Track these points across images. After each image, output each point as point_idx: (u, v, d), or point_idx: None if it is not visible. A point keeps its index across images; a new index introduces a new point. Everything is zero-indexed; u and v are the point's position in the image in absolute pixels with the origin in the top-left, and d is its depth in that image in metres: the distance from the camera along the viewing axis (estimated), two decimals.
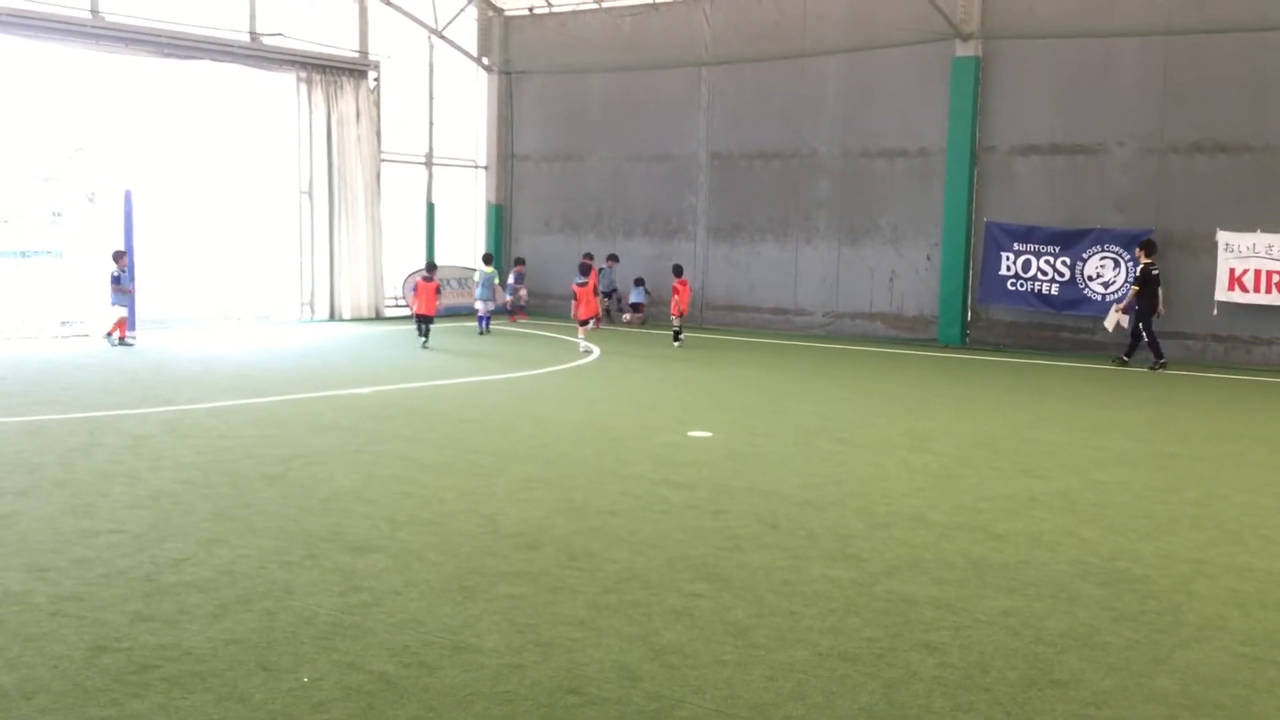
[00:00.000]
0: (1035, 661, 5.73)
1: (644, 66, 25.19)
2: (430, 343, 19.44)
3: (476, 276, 24.26)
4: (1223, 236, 18.91)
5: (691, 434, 11.94)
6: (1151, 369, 18.53)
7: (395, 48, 25.74)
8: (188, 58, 21.96)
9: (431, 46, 26.71)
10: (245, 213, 23.47)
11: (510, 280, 25.37)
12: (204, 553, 7.25)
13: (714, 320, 24.75)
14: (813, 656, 5.72)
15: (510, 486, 9.29)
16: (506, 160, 27.78)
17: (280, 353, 18.59)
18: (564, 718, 4.97)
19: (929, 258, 22.04)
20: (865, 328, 22.90)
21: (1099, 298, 19.93)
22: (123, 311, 19.12)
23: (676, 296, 21.22)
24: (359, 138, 24.58)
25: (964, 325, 21.69)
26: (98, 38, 20.68)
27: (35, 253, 20.04)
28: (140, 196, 20.14)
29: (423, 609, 6.28)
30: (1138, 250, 19.03)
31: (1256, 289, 18.67)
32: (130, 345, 18.83)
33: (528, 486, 9.29)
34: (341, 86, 24.27)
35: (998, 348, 21.25)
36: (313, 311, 24.44)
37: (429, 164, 27.10)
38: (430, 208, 27.12)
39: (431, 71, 26.88)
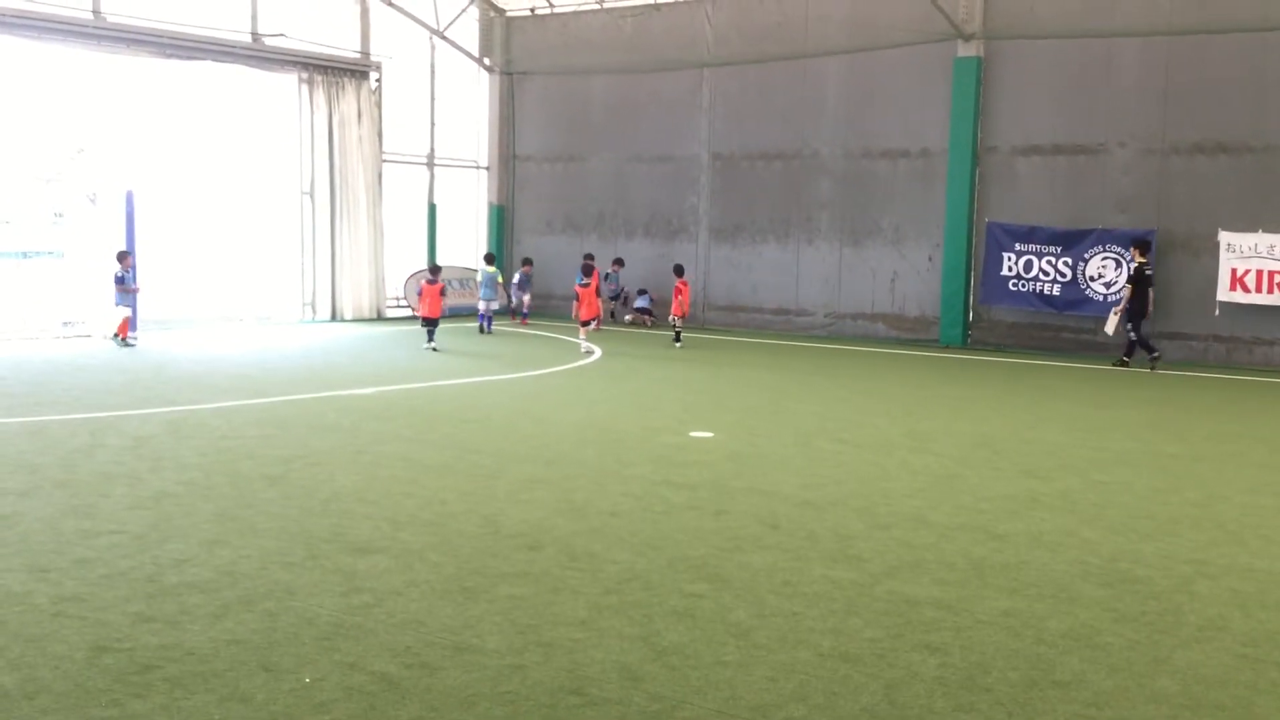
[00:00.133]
0: (1036, 662, 5.73)
1: (646, 67, 25.18)
2: (433, 344, 19.42)
3: (479, 276, 24.29)
4: (1224, 237, 18.91)
5: (693, 435, 11.94)
6: (1152, 369, 18.55)
7: (397, 48, 25.75)
8: (189, 58, 21.97)
9: (433, 47, 26.72)
10: (247, 213, 23.48)
11: (515, 280, 25.32)
12: (205, 553, 7.26)
13: (715, 321, 24.75)
14: (814, 657, 5.72)
15: (511, 487, 9.29)
16: (508, 161, 27.79)
17: (282, 353, 18.60)
18: (565, 718, 4.97)
19: (930, 258, 22.04)
20: (867, 328, 22.90)
21: (1100, 298, 19.92)
22: (126, 312, 19.12)
23: (679, 298, 21.23)
24: (360, 138, 24.59)
25: (965, 326, 21.68)
26: (99, 38, 20.70)
27: (37, 253, 20.06)
28: (142, 197, 20.16)
29: (424, 610, 6.29)
30: (1132, 249, 19.04)
31: (1258, 289, 18.66)
32: (132, 346, 18.83)
33: (529, 487, 9.30)
34: (343, 87, 24.29)
35: (999, 348, 21.24)
36: (314, 312, 24.45)
37: (430, 165, 27.11)
38: (432, 208, 27.13)
39: (433, 72, 26.89)
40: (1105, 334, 19.40)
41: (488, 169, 28.05)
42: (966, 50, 21.16)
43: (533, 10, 26.88)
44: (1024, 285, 20.79)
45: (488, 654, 5.66)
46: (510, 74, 27.50)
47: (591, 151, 26.47)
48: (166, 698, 5.06)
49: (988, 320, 21.70)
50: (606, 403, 14.25)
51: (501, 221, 27.89)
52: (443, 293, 20.21)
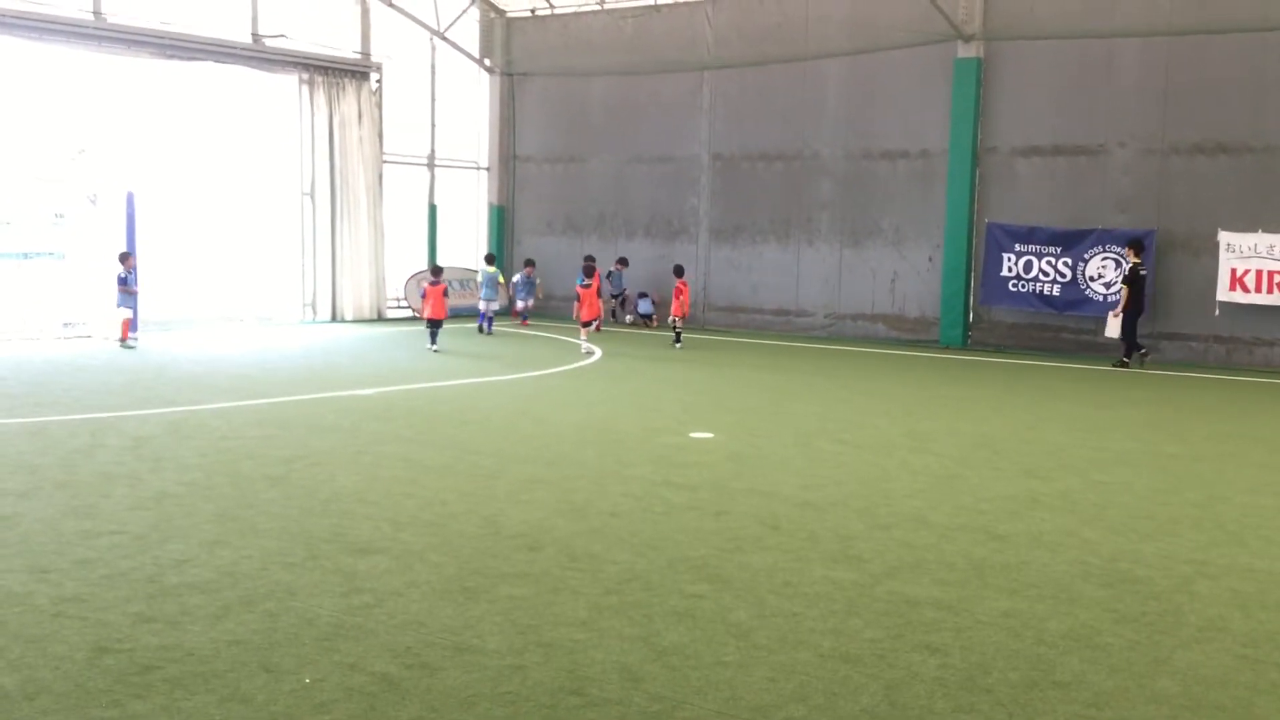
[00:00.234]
0: (1037, 663, 5.73)
1: (646, 68, 25.19)
2: (437, 345, 19.40)
3: (479, 277, 24.30)
4: (1224, 237, 18.91)
5: (693, 435, 11.94)
6: (1141, 366, 18.62)
7: (397, 49, 25.76)
8: (190, 59, 21.98)
9: (433, 48, 26.72)
10: (247, 214, 23.49)
11: (516, 280, 25.27)
12: (206, 554, 7.26)
13: (716, 321, 24.75)
14: (814, 658, 5.72)
15: (511, 488, 9.29)
16: (508, 162, 27.80)
17: (282, 354, 18.60)
18: (566, 719, 4.97)
19: (931, 259, 22.04)
20: (867, 329, 22.90)
21: (1100, 298, 19.92)
22: (128, 313, 19.10)
23: (679, 298, 21.22)
24: (361, 139, 24.59)
25: (966, 326, 21.69)
26: (100, 39, 20.70)
27: (37, 254, 20.05)
28: (142, 198, 20.16)
29: (424, 610, 6.29)
30: (1126, 250, 19.07)
31: (1258, 289, 18.66)
32: (132, 347, 18.80)
33: (529, 488, 9.30)
34: (343, 88, 24.29)
35: (999, 349, 21.24)
36: (315, 313, 24.45)
37: (431, 165, 27.12)
38: (432, 209, 27.14)
39: (433, 73, 26.90)
40: (1106, 336, 19.38)
41: (488, 170, 28.06)
42: (966, 51, 21.16)
43: (533, 11, 26.88)
44: (1024, 286, 20.80)
45: (488, 654, 5.66)
46: (511, 75, 27.51)
47: (592, 152, 26.47)
48: (167, 698, 5.06)
49: (988, 321, 21.70)
50: (607, 403, 14.25)
51: (502, 222, 27.90)
52: (445, 293, 20.17)
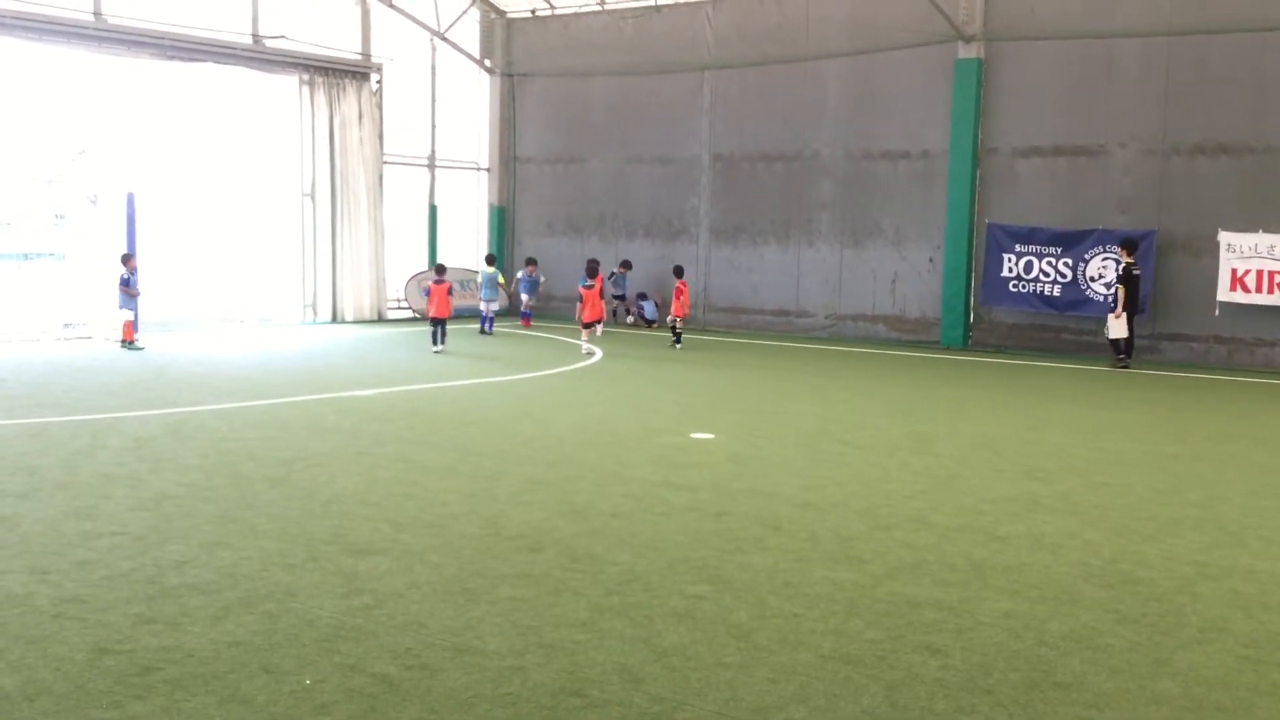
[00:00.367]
0: (1037, 664, 5.73)
1: (646, 69, 25.19)
2: (444, 345, 19.32)
3: (479, 278, 24.29)
4: (1225, 237, 18.90)
5: (693, 436, 11.94)
6: (1116, 366, 18.78)
7: (397, 50, 25.76)
8: (190, 60, 21.98)
9: (434, 49, 26.73)
10: (247, 215, 23.49)
11: (519, 276, 25.12)
12: (206, 555, 7.26)
13: (716, 322, 24.75)
14: (815, 658, 5.72)
15: (512, 489, 9.29)
16: (509, 162, 27.80)
17: (282, 355, 18.60)
18: None
19: (931, 260, 22.04)
20: (868, 330, 22.90)
21: (1101, 299, 19.90)
22: (130, 315, 19.01)
23: (679, 299, 21.21)
24: (361, 140, 24.59)
25: (966, 327, 21.68)
26: (100, 40, 20.70)
27: (38, 255, 20.06)
28: (143, 199, 20.15)
29: (425, 611, 6.29)
30: (1120, 250, 19.08)
31: (1259, 289, 18.66)
32: (141, 349, 18.68)
33: (529, 489, 9.30)
34: (344, 89, 24.30)
35: (1000, 349, 21.24)
36: (315, 314, 24.46)
37: (431, 166, 27.12)
38: (433, 210, 27.14)
39: (434, 73, 26.91)
40: (1110, 337, 19.30)
41: (488, 170, 28.06)
42: (967, 52, 21.16)
43: (533, 12, 26.89)
44: (1024, 286, 20.79)
45: (488, 655, 5.65)
46: (511, 75, 27.51)
47: (592, 153, 26.48)
48: (167, 699, 5.05)
49: (988, 321, 21.69)
50: (607, 404, 14.25)
51: (502, 223, 27.90)
52: (450, 292, 20.11)
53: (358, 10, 25.01)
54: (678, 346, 20.66)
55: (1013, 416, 13.81)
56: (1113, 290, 19.11)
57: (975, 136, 21.29)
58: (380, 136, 25.18)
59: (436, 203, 27.20)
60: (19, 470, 9.56)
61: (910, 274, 22.32)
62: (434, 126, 27.05)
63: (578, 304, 20.16)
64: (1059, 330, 20.88)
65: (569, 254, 26.32)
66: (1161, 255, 19.60)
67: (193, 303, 22.69)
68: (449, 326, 19.93)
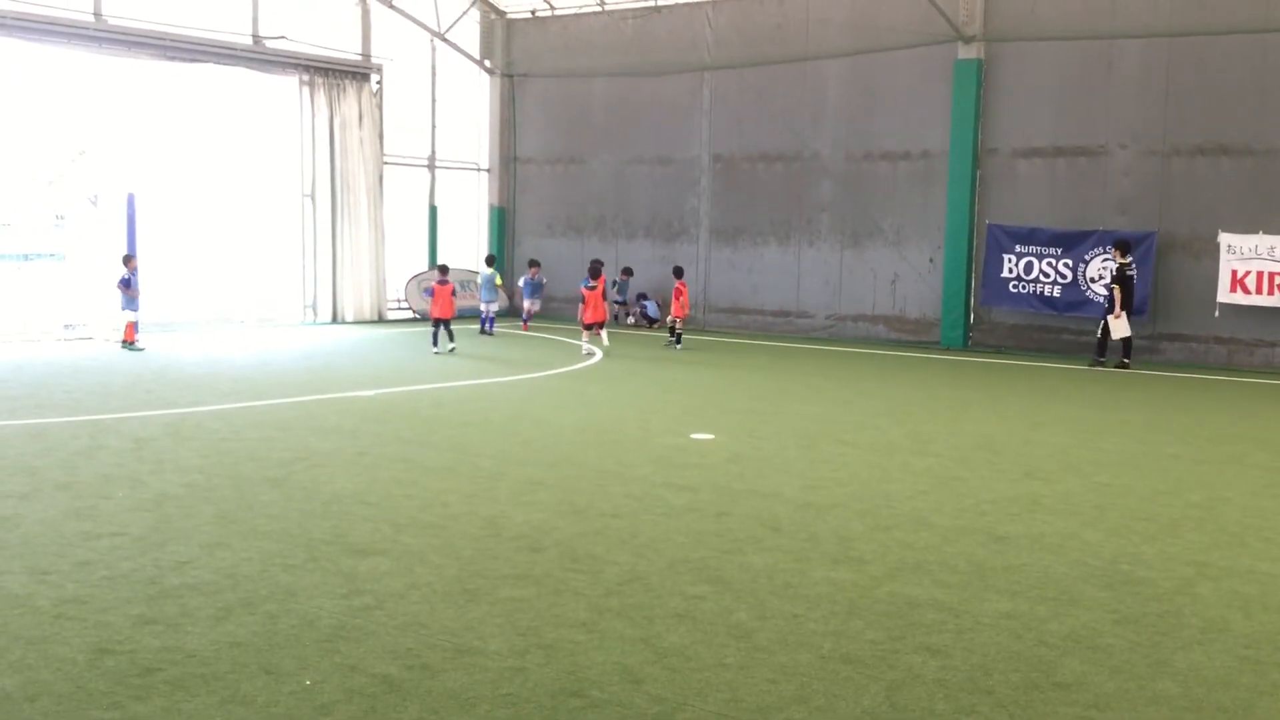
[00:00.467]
0: (1038, 664, 5.73)
1: (646, 69, 25.20)
2: (452, 345, 19.26)
3: (479, 279, 24.28)
4: (1225, 238, 18.91)
5: (693, 436, 11.94)
6: (1090, 365, 18.93)
7: (398, 50, 25.76)
8: (190, 61, 21.98)
9: (434, 49, 26.74)
10: (248, 215, 23.49)
11: (521, 282, 24.91)
12: (206, 555, 7.26)
13: (716, 323, 24.75)
14: (815, 659, 5.72)
15: (512, 489, 9.29)
16: (509, 163, 27.80)
17: (282, 355, 18.60)
18: None
19: (931, 260, 22.04)
20: (868, 330, 22.90)
21: (1101, 299, 19.90)
22: (131, 316, 18.89)
23: (679, 299, 21.19)
24: (361, 140, 24.60)
25: (966, 327, 21.68)
26: (101, 41, 20.70)
27: (38, 256, 20.07)
28: (143, 199, 20.16)
29: (425, 612, 6.29)
30: (1114, 250, 19.10)
31: (1259, 291, 18.66)
32: (141, 350, 18.65)
33: (530, 489, 9.30)
34: (344, 89, 24.30)
35: (1000, 350, 21.24)
36: (315, 314, 24.46)
37: (431, 167, 27.13)
38: (433, 210, 27.14)
39: (434, 74, 26.91)
40: (1111, 338, 19.26)
41: (488, 171, 28.07)
42: (967, 52, 21.16)
43: (533, 12, 26.89)
44: (1024, 287, 20.80)
45: (489, 656, 5.66)
46: (511, 76, 27.52)
47: (592, 153, 26.48)
48: (168, 700, 5.06)
49: (988, 322, 21.70)
50: (607, 405, 14.25)
51: (502, 223, 27.90)
52: (454, 293, 20.04)
53: (358, 11, 25.02)
54: (678, 347, 20.66)
55: (1013, 417, 13.81)
56: (1109, 292, 19.12)
57: (975, 137, 21.30)
58: (380, 137, 25.18)
59: (436, 203, 27.20)
60: (19, 471, 9.56)
61: (910, 274, 22.33)
62: (434, 127, 27.06)
63: (580, 305, 20.06)
64: (1059, 331, 20.88)
65: (569, 255, 26.32)
66: (1162, 256, 19.60)
67: (193, 303, 22.68)
68: (453, 327, 19.85)
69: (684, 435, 12.01)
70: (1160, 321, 19.78)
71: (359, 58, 24.96)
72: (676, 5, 24.78)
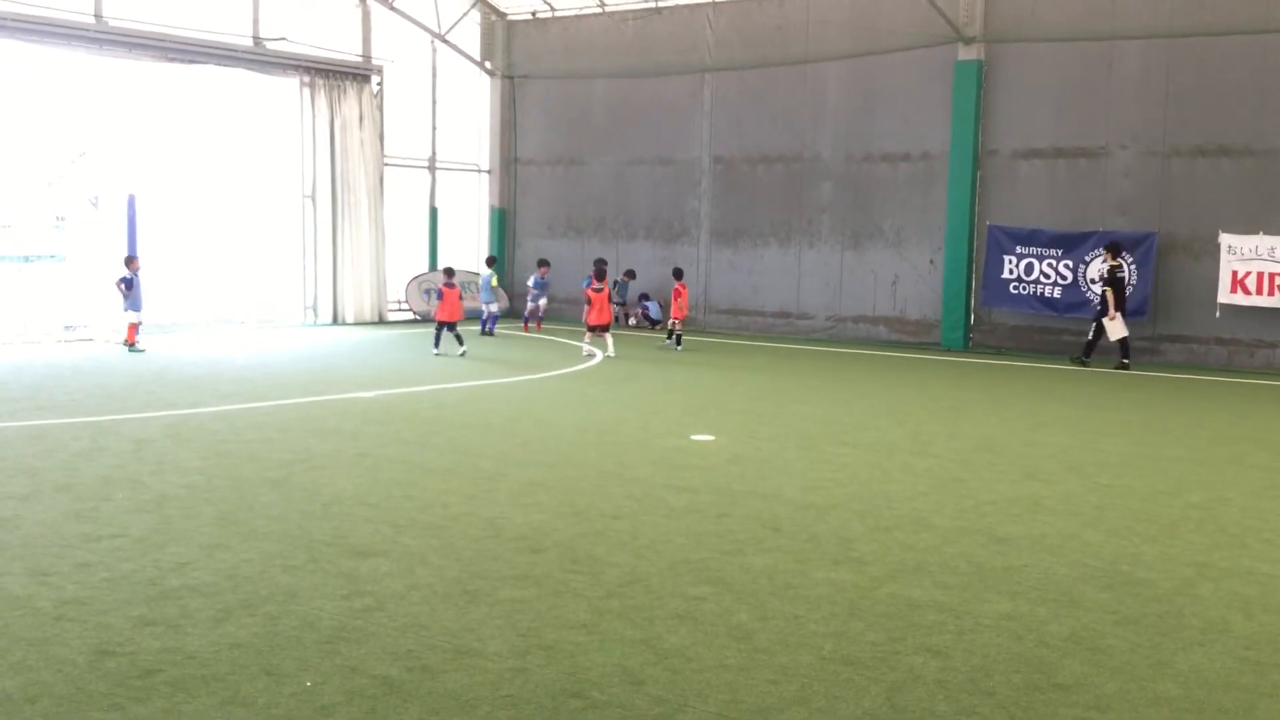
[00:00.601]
0: (1038, 665, 5.73)
1: (647, 71, 25.20)
2: (443, 348, 19.24)
3: (480, 279, 24.29)
4: (1225, 239, 18.91)
5: (694, 437, 11.94)
6: (1072, 360, 19.07)
7: (398, 52, 25.77)
8: (191, 62, 21.99)
9: (434, 50, 26.74)
10: (248, 217, 23.50)
11: (531, 282, 24.50)
12: (207, 557, 7.26)
13: (717, 324, 24.75)
14: (816, 660, 5.72)
15: (513, 490, 9.29)
16: (509, 164, 27.80)
17: (283, 357, 18.60)
18: None
19: (932, 261, 22.04)
20: (868, 331, 22.90)
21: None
22: (133, 318, 18.83)
23: (678, 300, 21.19)
24: (362, 142, 24.61)
25: (967, 329, 21.68)
26: (101, 42, 20.70)
27: (38, 257, 20.07)
28: (143, 201, 20.17)
29: (425, 613, 6.29)
30: (1104, 252, 19.12)
31: (1259, 291, 18.67)
32: (142, 351, 18.64)
33: (530, 490, 9.30)
34: (344, 90, 24.31)
35: (1000, 351, 21.24)
36: (315, 315, 24.47)
37: (432, 168, 27.14)
38: (433, 212, 27.15)
39: (434, 75, 26.92)
40: (1108, 339, 19.27)
41: (489, 172, 28.07)
42: (967, 53, 21.17)
43: (534, 14, 26.90)
44: (1025, 288, 20.80)
45: (489, 657, 5.66)
46: (511, 77, 27.52)
47: (593, 155, 26.48)
48: (168, 701, 5.06)
49: (989, 323, 21.70)
50: (608, 406, 14.25)
51: (503, 225, 27.91)
52: (460, 295, 19.97)
53: (358, 12, 25.03)
54: (678, 349, 20.65)
55: (1013, 418, 13.81)
56: (1100, 294, 19.12)
57: (975, 138, 21.30)
58: (381, 138, 25.19)
59: (437, 204, 27.21)
60: (20, 472, 9.56)
61: (911, 275, 22.33)
62: (434, 128, 27.07)
63: (585, 306, 19.89)
64: (1060, 332, 20.87)
65: (569, 256, 26.31)
66: (1162, 257, 19.60)
67: (193, 304, 22.69)
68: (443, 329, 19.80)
69: (684, 436, 12.01)
70: (1160, 322, 19.78)
71: (359, 59, 24.97)
72: (677, 7, 24.79)
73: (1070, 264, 20.33)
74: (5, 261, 19.70)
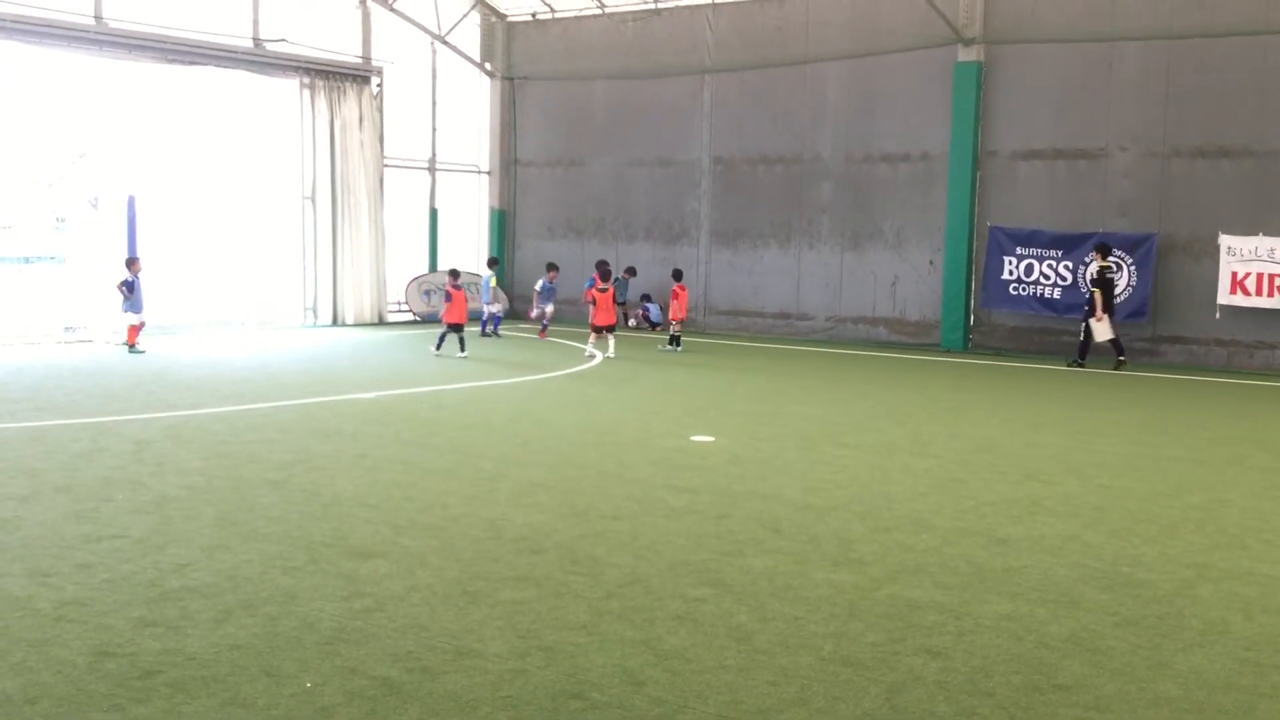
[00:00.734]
0: (1038, 666, 5.73)
1: (647, 72, 25.21)
2: (445, 349, 19.24)
3: (481, 281, 24.29)
4: (1225, 240, 18.92)
5: (694, 438, 11.94)
6: (1069, 364, 19.01)
7: (398, 53, 25.78)
8: (191, 63, 22.00)
9: (434, 52, 26.75)
10: (248, 218, 23.51)
11: (538, 286, 23.29)
12: (207, 558, 7.26)
13: (717, 325, 24.76)
14: (815, 661, 5.72)
15: (513, 491, 9.29)
16: (509, 165, 27.81)
17: (283, 358, 18.60)
18: None
19: (931, 262, 22.05)
20: (868, 332, 22.90)
21: None
22: (134, 319, 18.81)
23: (676, 301, 21.19)
24: (362, 143, 24.61)
25: (967, 329, 21.69)
26: (101, 44, 20.71)
27: (38, 258, 20.07)
28: (143, 202, 20.17)
29: (425, 614, 6.29)
30: (1094, 253, 19.14)
31: (1259, 292, 18.67)
32: (142, 352, 18.64)
33: (530, 491, 9.30)
34: (344, 92, 24.32)
35: (1000, 352, 21.25)
36: (315, 316, 24.47)
37: (432, 169, 27.14)
38: (433, 213, 27.16)
39: (434, 77, 26.93)
40: (1097, 341, 19.20)
41: (489, 173, 28.08)
42: (967, 55, 21.18)
43: (534, 15, 26.91)
44: (1025, 289, 20.81)
45: (489, 658, 5.66)
46: (511, 79, 27.53)
47: (592, 156, 26.49)
48: (168, 702, 5.06)
49: (989, 324, 21.70)
50: (608, 407, 14.25)
51: (503, 226, 27.92)
52: (466, 298, 19.94)
53: (358, 13, 25.04)
54: (678, 349, 20.65)
55: (1013, 419, 13.81)
56: (1088, 295, 19.13)
57: (975, 139, 21.31)
58: (381, 139, 25.20)
59: (437, 206, 27.22)
60: (20, 473, 9.56)
61: (910, 276, 22.33)
62: (434, 130, 27.08)
63: (590, 307, 19.80)
64: (1060, 333, 20.87)
65: (570, 257, 26.30)
66: (1162, 258, 19.61)
67: (193, 305, 22.70)
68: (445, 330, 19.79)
69: (684, 437, 12.01)
70: (1160, 324, 19.79)
71: (359, 60, 24.97)
72: (677, 8, 24.81)
73: (1070, 265, 20.34)
74: (5, 263, 19.70)
